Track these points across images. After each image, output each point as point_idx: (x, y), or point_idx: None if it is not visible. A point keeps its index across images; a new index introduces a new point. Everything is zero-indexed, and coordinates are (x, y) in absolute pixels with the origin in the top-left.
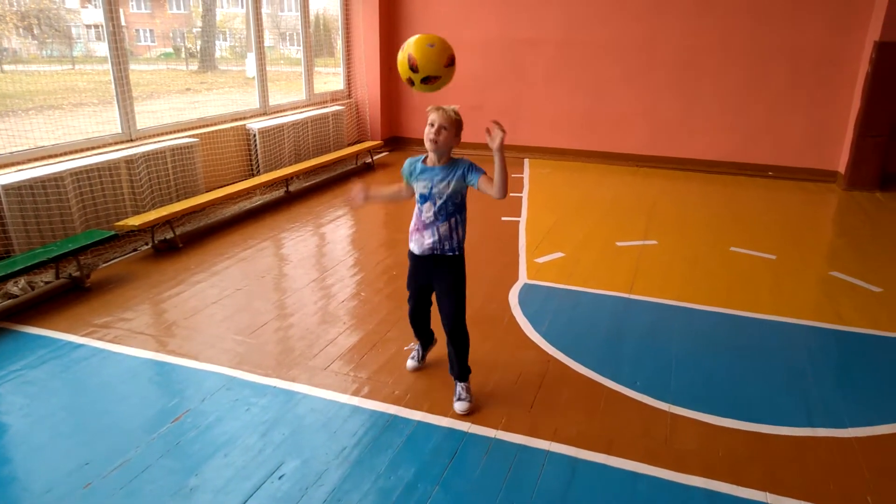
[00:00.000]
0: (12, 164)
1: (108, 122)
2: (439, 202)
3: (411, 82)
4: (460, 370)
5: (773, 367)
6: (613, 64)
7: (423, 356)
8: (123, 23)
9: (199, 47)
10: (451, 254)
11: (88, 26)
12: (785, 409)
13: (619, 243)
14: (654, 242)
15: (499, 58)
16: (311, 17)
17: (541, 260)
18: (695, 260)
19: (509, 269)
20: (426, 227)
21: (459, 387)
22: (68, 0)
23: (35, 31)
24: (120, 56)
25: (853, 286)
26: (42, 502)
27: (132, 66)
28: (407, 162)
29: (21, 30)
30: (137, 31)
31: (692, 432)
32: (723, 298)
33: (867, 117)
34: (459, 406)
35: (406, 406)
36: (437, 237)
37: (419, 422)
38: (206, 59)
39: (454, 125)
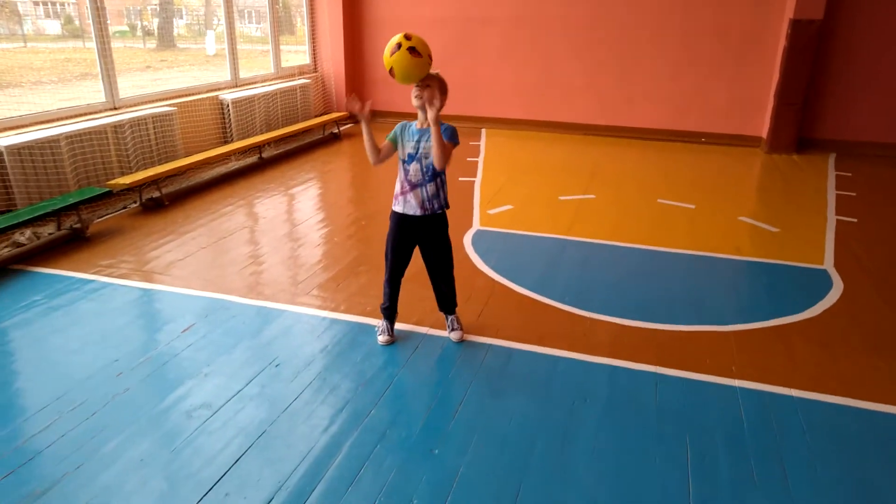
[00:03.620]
0: (13, 128)
1: (74, 98)
2: (426, 161)
3: (398, 46)
4: (453, 303)
5: (677, 285)
6: (561, 40)
7: (392, 328)
8: (74, 0)
9: (156, 25)
10: (439, 211)
11: (37, 3)
12: (681, 313)
13: (561, 197)
14: (592, 196)
15: (455, 34)
16: None
17: (492, 211)
18: (625, 209)
19: (464, 219)
20: (414, 187)
21: (451, 319)
22: None
23: None
24: (103, 31)
25: (756, 227)
26: (84, 386)
27: (88, 45)
28: (398, 125)
29: None
30: (89, 7)
31: (605, 330)
32: (644, 238)
33: (784, 88)
34: (455, 335)
35: (377, 317)
36: (426, 196)
37: None
38: (165, 37)
39: (437, 82)
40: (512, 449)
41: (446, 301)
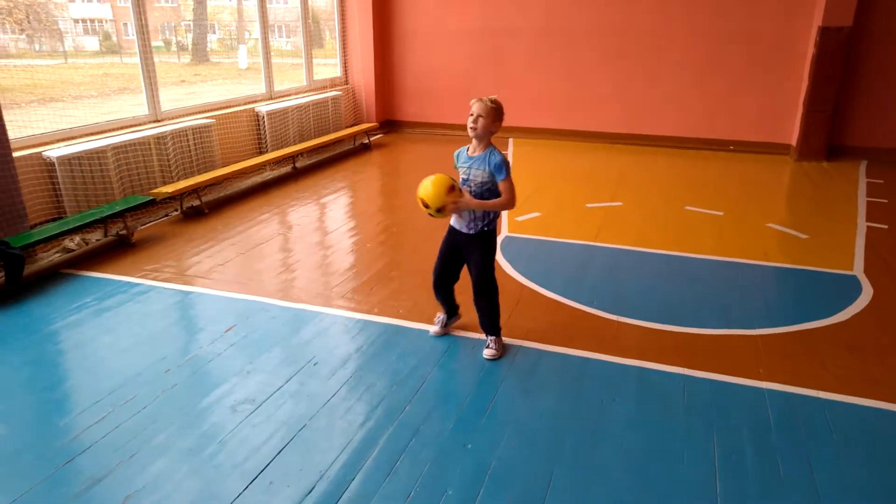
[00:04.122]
0: (62, 140)
1: (113, 111)
2: (474, 187)
3: (426, 205)
4: (489, 326)
5: (705, 291)
6: (588, 49)
7: (448, 323)
8: (111, 17)
9: (190, 40)
10: (483, 230)
11: (76, 21)
12: (708, 317)
13: (588, 205)
14: (619, 204)
15: (482, 45)
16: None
17: (520, 218)
18: (653, 216)
19: None
20: None
21: (489, 339)
22: None
23: (24, 26)
24: (147, 48)
25: (784, 234)
26: (135, 382)
27: (125, 60)
28: (456, 152)
29: (9, 24)
30: (125, 24)
31: (633, 333)
32: (671, 244)
33: (814, 95)
34: (486, 353)
35: (410, 320)
36: (470, 216)
37: (421, 329)
38: (199, 52)
39: (491, 113)
40: (542, 444)
41: (481, 321)
